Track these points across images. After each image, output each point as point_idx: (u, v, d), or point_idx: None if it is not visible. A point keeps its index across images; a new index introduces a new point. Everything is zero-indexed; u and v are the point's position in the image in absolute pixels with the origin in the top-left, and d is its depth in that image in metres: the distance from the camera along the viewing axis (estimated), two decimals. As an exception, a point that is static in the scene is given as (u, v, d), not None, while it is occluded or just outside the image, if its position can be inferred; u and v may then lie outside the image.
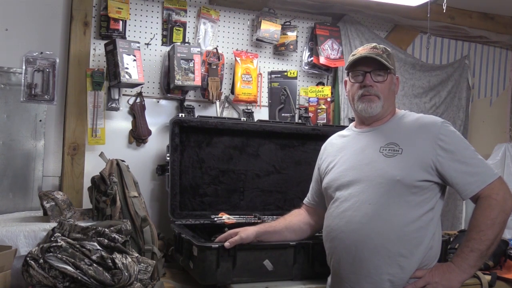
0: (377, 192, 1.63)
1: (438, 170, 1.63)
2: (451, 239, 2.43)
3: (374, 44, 1.79)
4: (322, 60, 2.91)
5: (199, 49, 2.60)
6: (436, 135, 1.64)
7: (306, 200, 2.04)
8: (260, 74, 2.88)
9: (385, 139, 1.72)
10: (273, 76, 2.91)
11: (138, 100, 2.62)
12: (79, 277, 1.55)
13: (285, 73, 2.91)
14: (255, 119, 2.72)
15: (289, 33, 2.90)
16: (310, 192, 2.02)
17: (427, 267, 1.64)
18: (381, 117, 1.78)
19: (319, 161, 1.95)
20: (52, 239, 1.69)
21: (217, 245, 1.81)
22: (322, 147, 1.97)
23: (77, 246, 1.62)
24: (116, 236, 1.71)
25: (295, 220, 1.99)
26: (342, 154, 1.81)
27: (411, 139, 1.68)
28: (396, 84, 1.82)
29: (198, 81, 2.56)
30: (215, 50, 2.72)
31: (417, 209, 1.62)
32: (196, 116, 2.55)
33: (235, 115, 2.82)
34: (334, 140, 1.93)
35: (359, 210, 1.64)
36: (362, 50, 1.77)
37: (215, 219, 2.35)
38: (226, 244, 1.80)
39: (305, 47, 3.00)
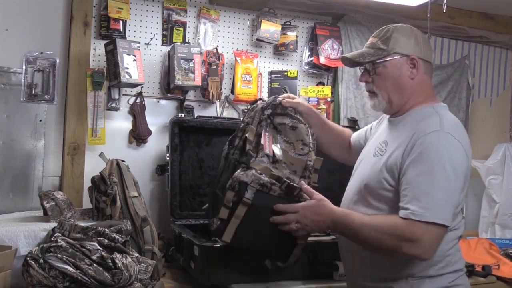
0: (354, 190, 1.60)
1: (399, 174, 1.45)
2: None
3: (381, 28, 1.60)
4: (322, 60, 2.91)
5: (199, 49, 2.60)
6: (417, 138, 1.43)
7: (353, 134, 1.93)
8: (260, 74, 2.88)
9: (385, 135, 1.60)
10: (273, 76, 2.91)
11: (138, 100, 2.62)
12: (79, 277, 1.55)
13: (285, 73, 2.91)
14: (255, 119, 2.72)
15: (289, 33, 2.90)
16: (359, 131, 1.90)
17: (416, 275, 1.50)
18: (396, 109, 1.59)
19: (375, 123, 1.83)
20: (52, 239, 1.69)
21: (219, 245, 1.81)
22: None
23: (77, 246, 1.62)
24: (116, 236, 1.71)
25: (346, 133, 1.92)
26: (370, 140, 1.75)
27: (399, 140, 1.50)
28: (414, 66, 1.54)
29: (198, 81, 2.56)
30: (215, 50, 2.72)
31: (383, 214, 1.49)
32: (195, 116, 2.56)
33: (235, 115, 2.82)
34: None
35: (345, 205, 1.63)
36: None
37: (215, 219, 2.35)
38: (283, 101, 1.71)
39: (305, 47, 3.00)
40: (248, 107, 1.77)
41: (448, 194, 1.39)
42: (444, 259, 1.50)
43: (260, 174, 1.55)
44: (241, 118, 1.69)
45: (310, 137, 1.68)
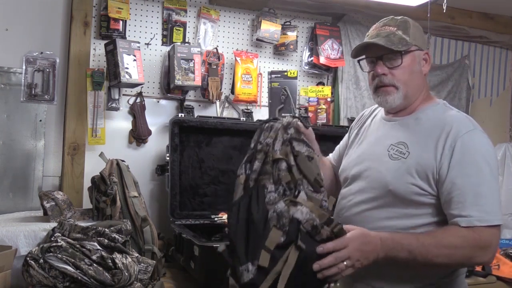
0: (369, 197, 1.47)
1: (439, 179, 1.37)
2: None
3: (390, 17, 1.52)
4: (322, 60, 2.91)
5: (199, 49, 2.60)
6: (454, 140, 1.37)
7: (330, 156, 1.83)
8: (260, 74, 2.88)
9: (398, 136, 1.48)
10: (273, 76, 2.91)
11: (138, 100, 2.61)
12: (79, 277, 1.55)
13: (285, 73, 2.91)
14: (255, 119, 2.72)
15: (289, 33, 2.90)
16: (335, 151, 1.80)
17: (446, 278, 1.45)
18: (407, 106, 1.50)
19: (354, 124, 1.73)
20: (52, 239, 1.69)
21: (219, 245, 1.81)
22: (368, 109, 1.71)
23: (77, 246, 1.62)
24: (116, 236, 1.71)
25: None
26: (363, 138, 1.62)
27: (422, 143, 1.42)
28: (426, 61, 1.51)
29: (198, 81, 2.56)
30: (215, 50, 2.72)
31: (412, 220, 1.41)
32: (195, 116, 2.56)
33: (235, 115, 2.82)
34: (372, 111, 1.68)
35: (350, 212, 1.51)
36: (372, 31, 1.51)
37: (215, 219, 2.36)
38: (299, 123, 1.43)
39: (305, 47, 3.00)
40: (262, 125, 1.43)
41: (497, 192, 1.37)
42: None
43: (312, 212, 1.23)
44: (256, 138, 1.39)
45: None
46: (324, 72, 3.03)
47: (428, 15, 2.54)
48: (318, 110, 2.91)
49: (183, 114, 2.52)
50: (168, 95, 2.66)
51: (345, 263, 1.24)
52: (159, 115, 2.67)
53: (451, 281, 1.46)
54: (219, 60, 2.72)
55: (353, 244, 1.25)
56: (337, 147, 1.79)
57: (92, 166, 2.41)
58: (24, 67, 2.30)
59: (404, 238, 1.32)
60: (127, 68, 2.37)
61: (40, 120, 2.46)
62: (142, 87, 2.59)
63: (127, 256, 1.69)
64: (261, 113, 2.86)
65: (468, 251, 1.32)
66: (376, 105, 1.64)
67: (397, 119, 1.53)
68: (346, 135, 1.76)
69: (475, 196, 1.32)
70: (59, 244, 1.61)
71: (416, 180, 1.38)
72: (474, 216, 1.31)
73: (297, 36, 2.93)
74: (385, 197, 1.43)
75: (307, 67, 2.99)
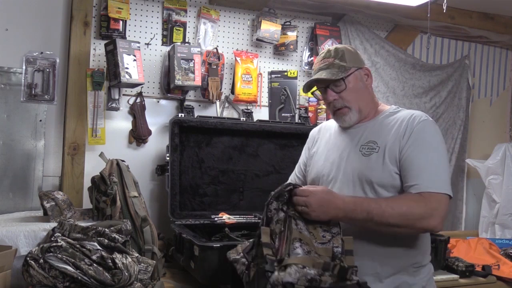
0: (352, 192, 1.61)
1: (400, 159, 1.57)
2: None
3: (326, 50, 1.72)
4: (322, 60, 2.91)
5: (199, 49, 2.60)
6: (412, 127, 1.58)
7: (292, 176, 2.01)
8: (260, 74, 2.88)
9: (365, 137, 1.67)
10: (273, 76, 2.91)
11: (138, 100, 2.62)
12: (79, 277, 1.55)
13: (285, 73, 2.91)
14: (255, 119, 2.72)
15: (289, 33, 2.90)
16: (294, 171, 1.99)
17: (417, 264, 1.62)
18: (363, 118, 1.72)
19: (310, 143, 1.92)
20: (52, 239, 1.69)
21: (219, 245, 1.81)
22: (317, 128, 1.93)
23: (77, 246, 1.62)
24: (116, 236, 1.71)
25: None
26: (328, 147, 1.78)
27: (388, 136, 1.62)
28: (368, 75, 1.73)
29: (198, 81, 2.56)
30: (215, 50, 2.72)
31: None
32: (195, 116, 2.56)
33: (235, 115, 2.82)
34: (327, 127, 1.88)
35: None
36: (315, 65, 1.73)
37: (215, 219, 2.35)
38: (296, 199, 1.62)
39: (305, 47, 3.00)
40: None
41: (447, 168, 1.60)
42: (428, 248, 1.68)
43: (303, 267, 1.28)
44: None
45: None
46: (324, 72, 3.03)
47: (428, 15, 2.54)
48: (318, 110, 2.91)
49: (183, 114, 2.52)
50: (168, 95, 2.66)
51: (300, 208, 1.48)
52: (159, 115, 2.67)
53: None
54: (219, 60, 2.72)
55: (314, 197, 1.48)
56: (298, 164, 1.98)
57: (92, 166, 2.41)
58: (24, 67, 2.31)
59: (364, 201, 1.53)
60: (127, 68, 2.37)
61: (40, 120, 2.46)
62: (142, 87, 2.60)
63: (127, 256, 1.69)
64: (261, 113, 2.86)
65: (417, 212, 1.47)
66: (323, 123, 1.93)
67: (359, 125, 1.72)
68: (304, 153, 1.95)
69: (426, 169, 1.52)
70: (59, 244, 1.61)
71: (389, 166, 1.57)
72: (422, 183, 1.50)
73: (297, 36, 2.93)
74: (371, 188, 1.60)
75: (307, 67, 2.99)
